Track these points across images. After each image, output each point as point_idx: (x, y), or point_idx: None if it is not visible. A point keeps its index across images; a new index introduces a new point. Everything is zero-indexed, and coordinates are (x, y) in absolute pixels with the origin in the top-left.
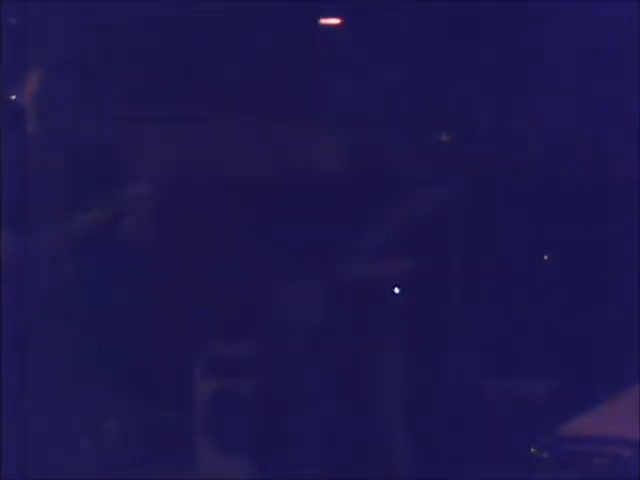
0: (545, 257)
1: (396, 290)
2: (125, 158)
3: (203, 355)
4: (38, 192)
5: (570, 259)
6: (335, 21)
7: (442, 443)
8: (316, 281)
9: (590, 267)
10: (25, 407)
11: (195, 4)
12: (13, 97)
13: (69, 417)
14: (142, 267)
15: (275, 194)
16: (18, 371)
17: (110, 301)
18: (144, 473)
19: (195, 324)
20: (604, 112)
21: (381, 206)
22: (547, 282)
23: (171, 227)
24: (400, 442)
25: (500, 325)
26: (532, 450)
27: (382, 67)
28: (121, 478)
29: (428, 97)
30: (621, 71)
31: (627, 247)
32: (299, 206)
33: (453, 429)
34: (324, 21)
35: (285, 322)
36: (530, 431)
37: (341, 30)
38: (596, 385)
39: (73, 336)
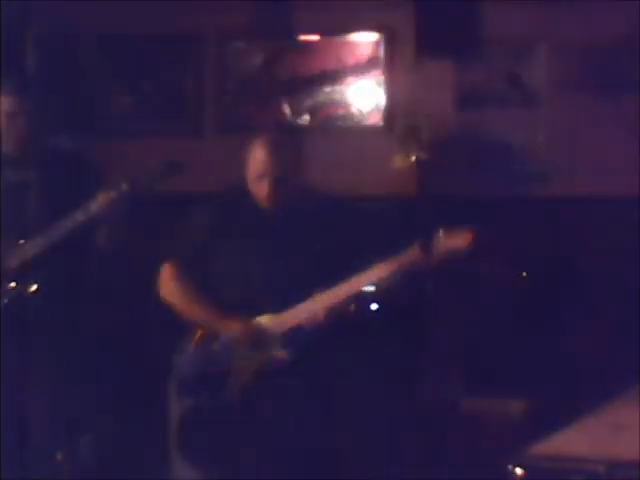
0: (524, 274)
1: (373, 306)
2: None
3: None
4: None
5: (552, 279)
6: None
7: (419, 460)
8: (291, 295)
9: (572, 287)
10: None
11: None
12: None
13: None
14: (118, 279)
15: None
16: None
17: (86, 313)
18: None
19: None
20: None
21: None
22: (526, 301)
23: (146, 237)
24: (376, 458)
25: (478, 344)
26: (508, 468)
27: None
28: None
29: None
30: None
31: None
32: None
33: (430, 447)
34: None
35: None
36: (506, 449)
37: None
38: (573, 403)
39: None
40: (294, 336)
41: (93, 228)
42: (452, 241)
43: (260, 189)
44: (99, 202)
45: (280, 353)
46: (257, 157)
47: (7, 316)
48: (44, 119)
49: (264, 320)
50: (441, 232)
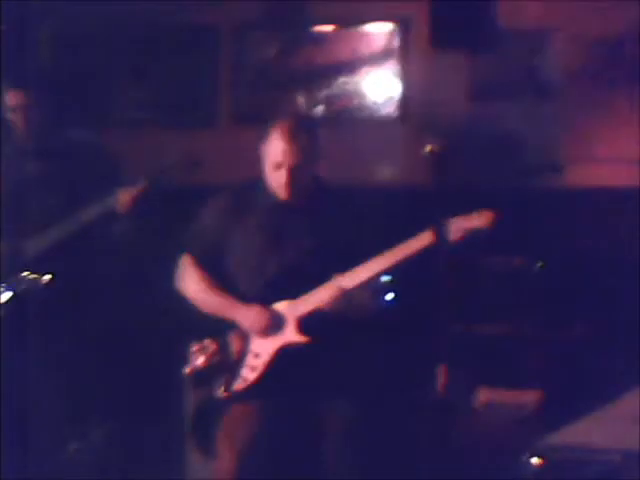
0: (539, 264)
1: (389, 297)
2: (115, 162)
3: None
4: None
5: (557, 268)
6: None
7: (433, 453)
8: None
9: (579, 277)
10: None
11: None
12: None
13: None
14: (132, 272)
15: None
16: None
17: (100, 306)
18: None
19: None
20: None
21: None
22: (538, 290)
23: (160, 231)
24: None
25: (490, 334)
26: (524, 458)
27: None
28: None
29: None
30: None
31: (611, 256)
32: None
33: (443, 439)
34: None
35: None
36: (522, 441)
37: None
38: (588, 393)
39: (64, 343)
40: (312, 321)
41: (110, 222)
42: (472, 220)
43: (277, 178)
44: (118, 197)
45: (298, 338)
46: (274, 146)
47: (18, 307)
48: (58, 111)
49: (281, 306)
50: (458, 215)
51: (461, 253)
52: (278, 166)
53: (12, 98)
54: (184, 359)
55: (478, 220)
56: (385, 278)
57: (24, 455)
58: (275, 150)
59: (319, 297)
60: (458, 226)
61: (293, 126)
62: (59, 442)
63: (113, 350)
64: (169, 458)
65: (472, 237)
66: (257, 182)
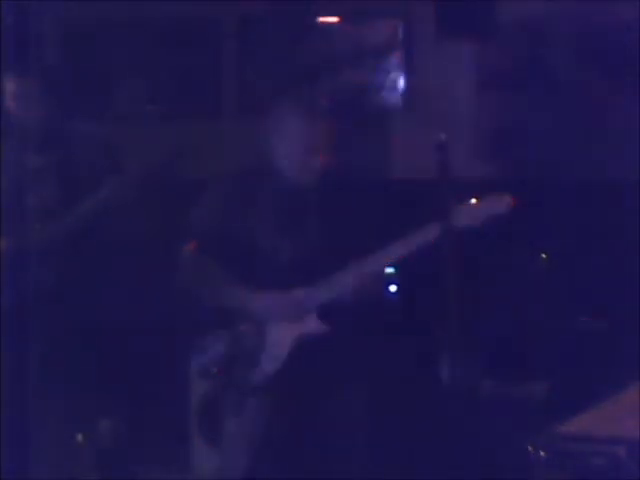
0: (543, 256)
1: (392, 288)
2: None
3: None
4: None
5: (567, 260)
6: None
7: (438, 443)
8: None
9: (587, 268)
10: (25, 406)
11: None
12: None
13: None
14: (131, 265)
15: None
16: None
17: (102, 297)
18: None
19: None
20: None
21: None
22: (545, 282)
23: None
24: (394, 443)
25: (497, 326)
26: (529, 449)
27: None
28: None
29: None
30: None
31: (623, 247)
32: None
33: (449, 429)
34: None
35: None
36: (526, 431)
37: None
38: (593, 385)
39: (69, 334)
40: (330, 309)
41: (112, 216)
42: (491, 205)
43: (309, 161)
44: (113, 187)
45: (319, 327)
46: (309, 128)
47: (19, 303)
48: (60, 102)
49: (298, 292)
50: (472, 200)
51: (478, 238)
52: (314, 149)
53: (13, 88)
54: (194, 350)
55: (497, 204)
56: (388, 269)
57: (24, 455)
58: (311, 132)
59: (336, 285)
60: (477, 211)
61: (317, 108)
62: (62, 436)
63: (120, 342)
64: (176, 450)
65: (490, 222)
66: (263, 166)
